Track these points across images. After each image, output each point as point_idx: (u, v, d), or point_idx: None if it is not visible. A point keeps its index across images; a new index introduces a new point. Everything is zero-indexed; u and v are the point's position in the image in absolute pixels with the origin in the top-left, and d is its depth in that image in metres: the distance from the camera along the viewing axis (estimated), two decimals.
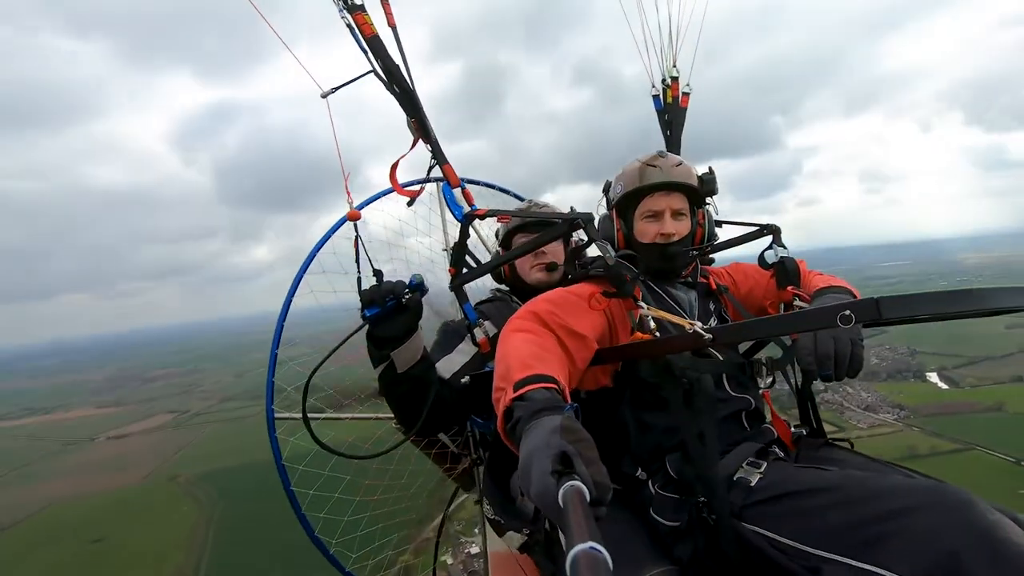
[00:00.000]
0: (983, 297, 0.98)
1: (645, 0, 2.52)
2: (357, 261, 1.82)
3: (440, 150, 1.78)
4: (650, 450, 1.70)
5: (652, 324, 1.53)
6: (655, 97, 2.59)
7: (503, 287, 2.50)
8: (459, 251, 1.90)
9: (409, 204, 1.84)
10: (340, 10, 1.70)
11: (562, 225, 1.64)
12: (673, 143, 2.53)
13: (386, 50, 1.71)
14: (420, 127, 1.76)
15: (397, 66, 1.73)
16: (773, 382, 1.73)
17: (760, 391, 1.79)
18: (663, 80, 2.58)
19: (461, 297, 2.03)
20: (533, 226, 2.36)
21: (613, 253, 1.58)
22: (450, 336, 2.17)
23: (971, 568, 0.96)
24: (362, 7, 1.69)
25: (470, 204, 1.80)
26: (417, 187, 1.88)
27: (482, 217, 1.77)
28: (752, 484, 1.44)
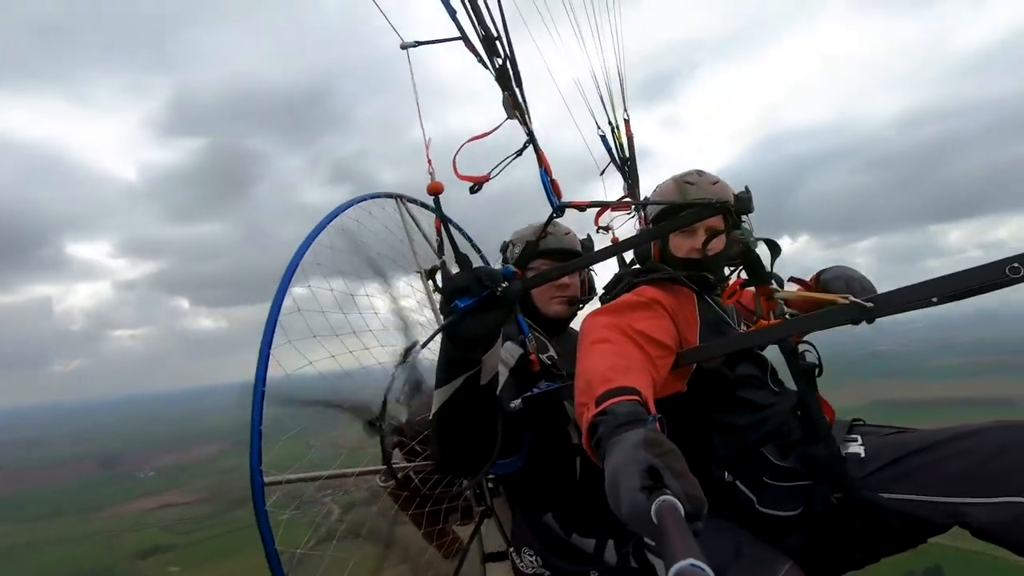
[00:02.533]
0: None
1: (594, 52, 2.77)
2: (440, 243, 1.50)
3: (533, 133, 1.60)
4: (736, 450, 1.72)
5: (785, 309, 1.58)
6: (602, 137, 2.82)
7: None
8: (534, 248, 1.69)
9: (473, 191, 1.59)
10: None
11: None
12: (633, 178, 2.75)
13: (485, 14, 1.52)
14: (516, 105, 1.57)
15: (497, 34, 1.54)
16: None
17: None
18: (609, 122, 2.84)
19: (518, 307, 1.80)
20: (555, 253, 2.21)
21: (756, 237, 1.61)
22: None
23: None
24: None
25: (559, 196, 1.63)
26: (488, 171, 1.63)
27: (582, 208, 1.63)
28: (863, 456, 1.55)
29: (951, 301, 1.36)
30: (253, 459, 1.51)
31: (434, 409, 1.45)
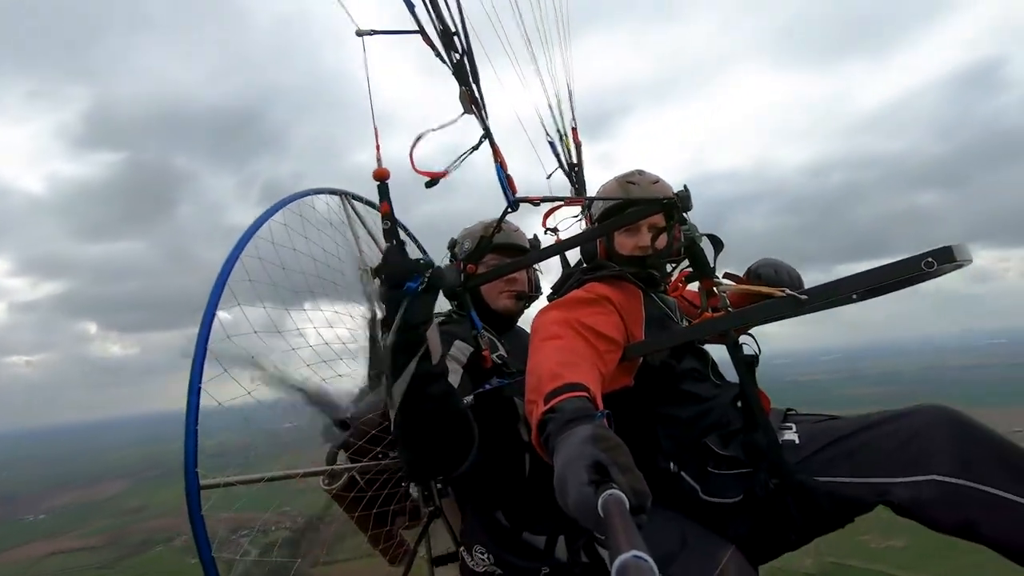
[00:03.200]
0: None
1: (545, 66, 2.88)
2: (388, 231, 1.49)
3: (489, 128, 1.62)
4: (680, 441, 1.77)
5: (727, 302, 1.65)
6: (551, 143, 2.90)
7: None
8: (488, 242, 1.70)
9: (428, 186, 1.59)
10: None
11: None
12: (580, 182, 2.84)
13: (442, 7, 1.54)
14: (473, 100, 1.59)
15: (455, 29, 1.56)
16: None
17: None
18: (558, 130, 2.91)
19: (469, 302, 1.80)
20: (506, 248, 2.23)
21: (700, 233, 1.67)
22: None
23: (969, 450, 1.36)
24: None
25: (513, 192, 1.65)
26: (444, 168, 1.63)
27: (535, 203, 1.65)
28: (797, 442, 1.63)
29: (875, 296, 1.47)
30: (188, 460, 1.40)
31: (396, 404, 1.39)
